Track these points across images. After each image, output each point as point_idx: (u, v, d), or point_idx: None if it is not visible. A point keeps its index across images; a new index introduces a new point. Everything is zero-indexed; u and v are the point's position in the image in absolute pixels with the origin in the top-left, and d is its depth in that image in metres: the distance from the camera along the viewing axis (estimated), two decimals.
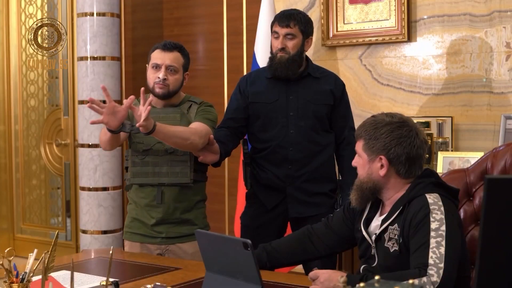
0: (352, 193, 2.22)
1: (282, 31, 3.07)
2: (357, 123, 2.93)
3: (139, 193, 2.90)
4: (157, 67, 2.86)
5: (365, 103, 4.19)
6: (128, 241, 2.95)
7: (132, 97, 2.69)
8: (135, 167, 2.87)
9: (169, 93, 2.87)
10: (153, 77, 2.86)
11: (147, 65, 2.96)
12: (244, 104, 3.16)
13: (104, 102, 2.65)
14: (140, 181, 2.87)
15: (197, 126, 2.82)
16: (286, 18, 3.08)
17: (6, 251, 1.92)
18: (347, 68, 4.26)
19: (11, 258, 1.91)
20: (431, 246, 1.96)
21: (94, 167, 4.72)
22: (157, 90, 2.85)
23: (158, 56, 2.87)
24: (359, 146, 2.19)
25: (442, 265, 1.93)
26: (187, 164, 2.86)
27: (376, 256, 2.16)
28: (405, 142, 2.12)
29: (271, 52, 3.14)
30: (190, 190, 2.89)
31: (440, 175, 2.28)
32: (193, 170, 2.88)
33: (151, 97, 2.71)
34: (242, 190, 3.82)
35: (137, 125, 2.58)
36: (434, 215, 2.01)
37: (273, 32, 3.12)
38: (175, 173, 2.85)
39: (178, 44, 2.94)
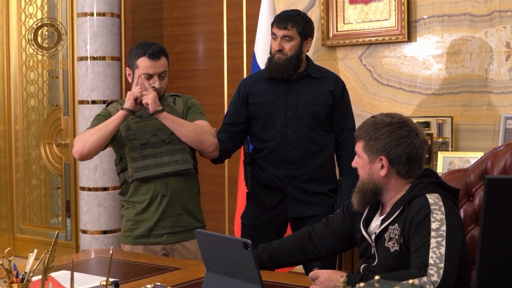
0: (353, 196, 2.21)
1: (280, 32, 3.08)
2: (357, 123, 2.93)
3: (140, 191, 2.87)
4: (149, 77, 2.85)
5: (365, 103, 4.19)
6: (130, 245, 2.89)
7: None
8: (135, 162, 2.85)
9: (160, 98, 2.90)
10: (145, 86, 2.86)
11: (128, 68, 2.93)
12: (242, 108, 3.17)
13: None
14: (143, 174, 2.84)
15: (204, 123, 2.90)
16: (284, 20, 3.08)
17: (6, 251, 1.92)
18: (347, 68, 4.26)
19: (11, 258, 1.91)
20: (431, 246, 1.96)
21: (94, 167, 4.71)
22: None
23: (147, 65, 2.84)
24: (359, 147, 2.19)
25: (442, 265, 1.93)
26: (186, 151, 2.89)
27: (376, 255, 2.16)
28: (405, 142, 2.13)
29: (270, 53, 3.15)
30: (192, 179, 2.92)
31: (440, 175, 2.28)
32: (192, 157, 2.91)
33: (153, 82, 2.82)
34: (242, 190, 3.82)
35: (144, 101, 2.77)
36: (434, 215, 2.01)
37: (272, 33, 3.13)
38: (177, 161, 2.86)
39: (161, 48, 2.87)
